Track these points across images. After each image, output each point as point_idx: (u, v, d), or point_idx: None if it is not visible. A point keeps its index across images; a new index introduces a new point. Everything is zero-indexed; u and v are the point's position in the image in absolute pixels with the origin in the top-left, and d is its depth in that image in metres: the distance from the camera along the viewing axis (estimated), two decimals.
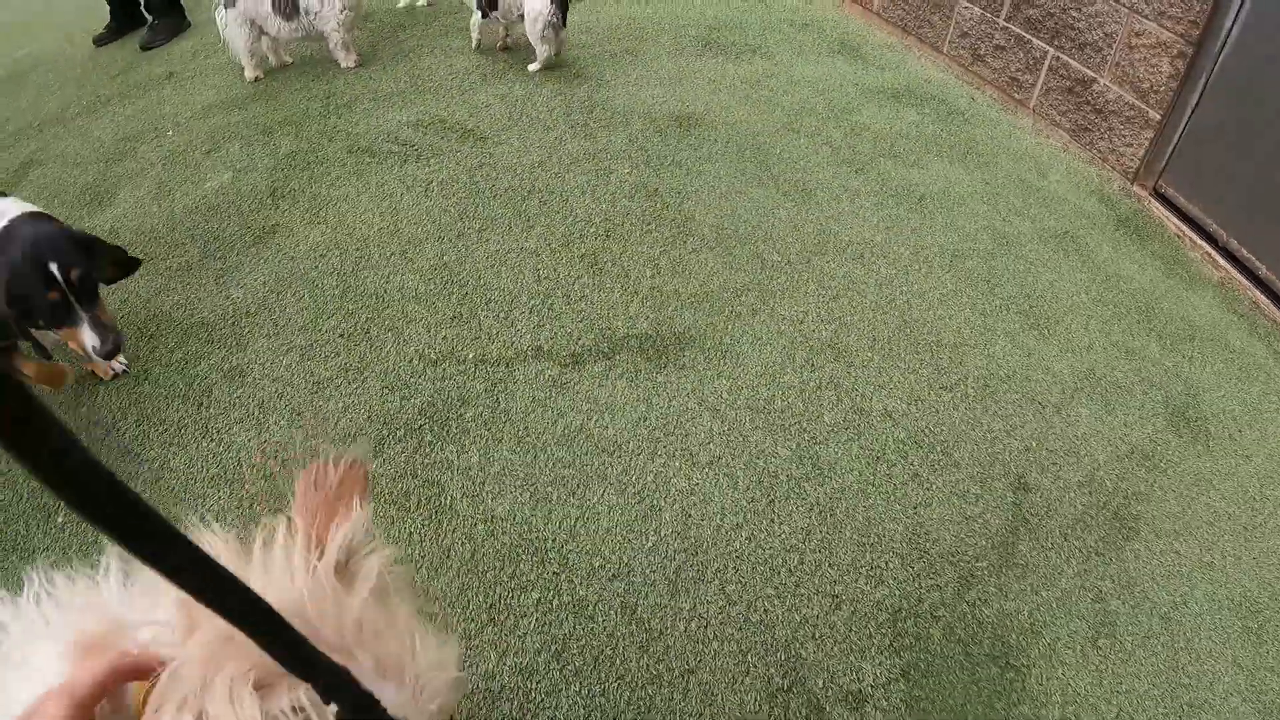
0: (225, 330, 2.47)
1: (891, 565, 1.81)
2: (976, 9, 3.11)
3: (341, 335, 2.35)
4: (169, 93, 3.92)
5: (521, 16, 3.53)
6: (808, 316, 2.38)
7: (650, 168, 3.00)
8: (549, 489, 1.95)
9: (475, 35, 3.80)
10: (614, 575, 1.76)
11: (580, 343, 2.33)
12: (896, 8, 3.57)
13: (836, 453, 2.02)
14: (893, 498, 1.95)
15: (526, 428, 2.08)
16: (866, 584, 1.77)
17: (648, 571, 1.77)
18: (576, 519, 1.89)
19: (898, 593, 1.77)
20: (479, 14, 3.66)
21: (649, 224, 2.73)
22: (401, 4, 3.96)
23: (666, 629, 1.68)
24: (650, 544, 1.83)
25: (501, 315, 2.42)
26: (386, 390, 2.20)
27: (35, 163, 3.65)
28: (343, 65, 3.75)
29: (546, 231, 2.72)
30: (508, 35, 3.81)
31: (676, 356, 2.25)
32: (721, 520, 1.87)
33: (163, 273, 2.73)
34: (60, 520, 1.93)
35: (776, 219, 2.74)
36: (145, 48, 4.46)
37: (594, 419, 2.11)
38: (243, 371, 2.28)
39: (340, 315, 2.44)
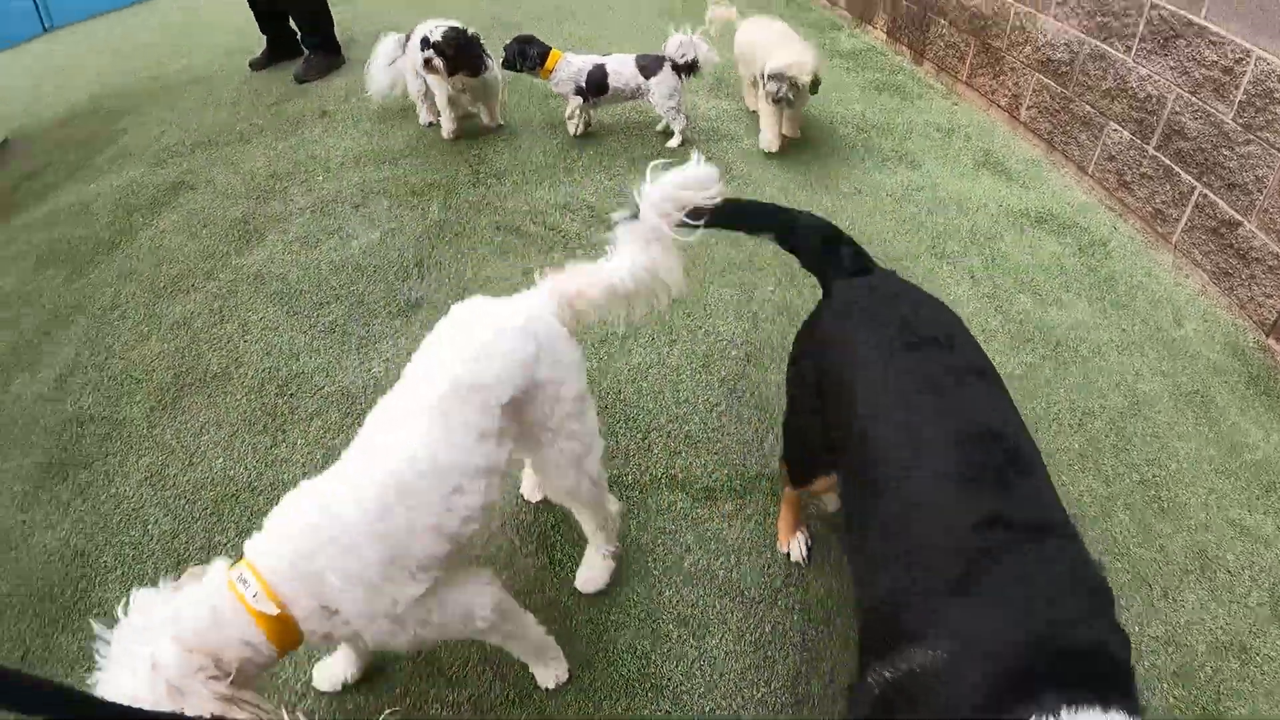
0: (365, 404, 2.71)
1: None
2: (1126, 133, 3.22)
3: None
4: (320, 133, 4.29)
5: (634, 93, 3.76)
6: None
7: (794, 287, 3.14)
8: (670, 627, 2.07)
9: (577, 122, 3.97)
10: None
11: (714, 477, 2.47)
12: (1044, 120, 3.71)
13: None
14: None
15: (654, 559, 2.23)
16: None
17: None
18: (694, 660, 2.01)
19: None
20: (579, 99, 3.79)
21: (787, 351, 2.90)
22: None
23: None
24: (760, 694, 1.97)
25: (640, 437, 2.59)
26: (521, 498, 2.38)
27: (186, 185, 4.05)
28: (484, 120, 4.05)
29: (688, 349, 2.89)
30: (590, 122, 4.05)
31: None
32: (833, 677, 2.00)
33: (307, 329, 3.01)
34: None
35: None
36: (300, 80, 4.89)
37: (720, 560, 2.24)
38: None
39: None
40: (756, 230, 1.86)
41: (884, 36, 4.96)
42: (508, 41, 3.81)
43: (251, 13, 5.12)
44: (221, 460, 2.57)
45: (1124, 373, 2.81)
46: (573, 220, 3.46)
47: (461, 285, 3.11)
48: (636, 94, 3.76)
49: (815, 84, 3.46)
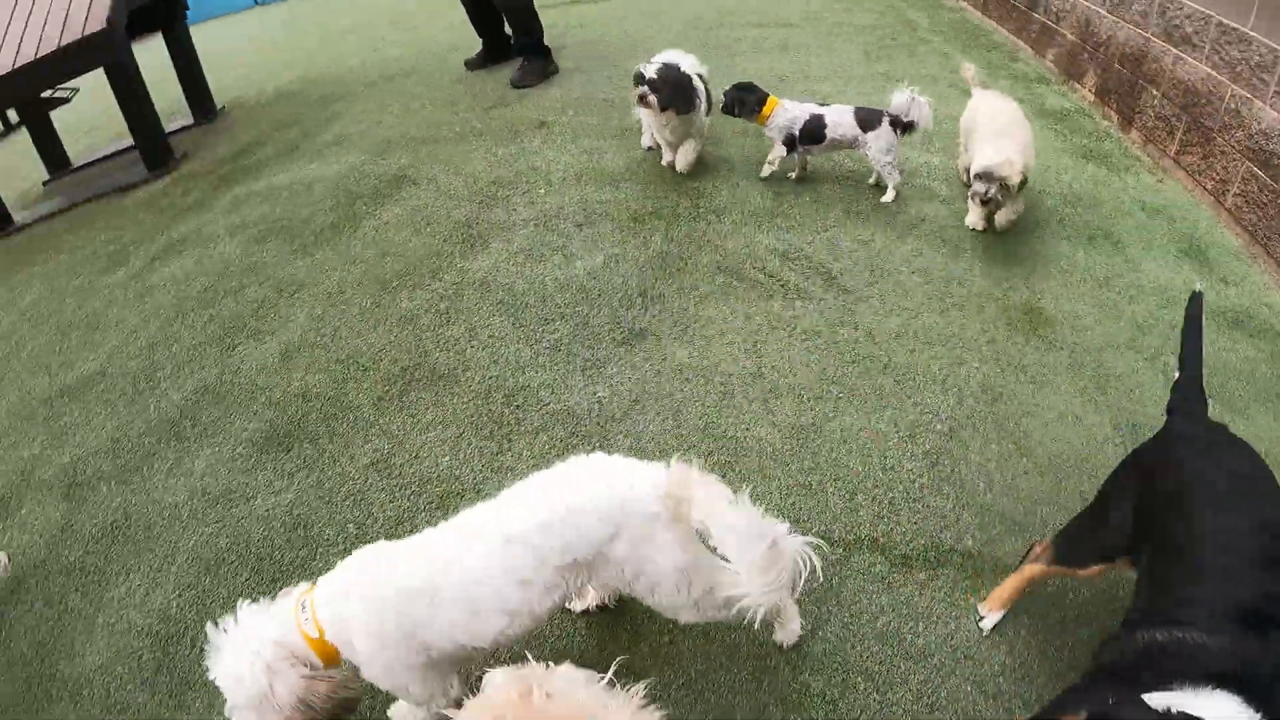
0: (591, 428, 2.76)
1: None
2: None
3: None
4: (539, 144, 4.44)
5: (850, 144, 3.79)
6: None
7: (997, 366, 3.06)
8: (858, 679, 2.10)
9: (773, 167, 4.04)
10: None
11: (911, 545, 2.45)
12: (1250, 210, 3.53)
13: None
14: None
15: (852, 615, 2.24)
16: None
17: None
18: (875, 712, 2.03)
19: None
20: (783, 149, 3.90)
21: (989, 432, 2.79)
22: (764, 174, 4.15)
23: None
24: None
25: (847, 497, 2.57)
26: None
27: (409, 180, 4.23)
28: (674, 160, 4.11)
29: (896, 415, 2.86)
30: (807, 166, 4.08)
31: (991, 581, 2.29)
32: None
33: (533, 343, 3.06)
34: None
35: (1104, 454, 2.71)
36: (515, 85, 5.09)
37: (909, 624, 2.24)
38: None
39: (699, 452, 2.67)
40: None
41: (1092, 96, 4.85)
42: (727, 87, 3.92)
43: (466, 15, 5.47)
44: (448, 459, 2.77)
45: None
46: (791, 270, 3.47)
47: (685, 322, 3.22)
48: (852, 145, 3.82)
49: (1023, 183, 3.31)
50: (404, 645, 1.60)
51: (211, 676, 1.62)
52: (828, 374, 2.99)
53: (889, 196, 3.84)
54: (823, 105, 3.83)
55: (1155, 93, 4.25)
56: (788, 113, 3.81)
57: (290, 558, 2.52)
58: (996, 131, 3.41)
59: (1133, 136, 4.48)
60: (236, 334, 3.49)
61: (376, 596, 1.59)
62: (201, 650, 2.32)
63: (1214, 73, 3.78)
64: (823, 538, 2.32)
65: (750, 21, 6.10)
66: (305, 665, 1.60)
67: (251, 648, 1.59)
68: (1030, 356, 3.10)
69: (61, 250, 4.65)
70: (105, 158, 5.71)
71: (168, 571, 2.59)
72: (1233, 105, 3.66)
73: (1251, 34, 3.50)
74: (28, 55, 4.62)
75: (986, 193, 3.29)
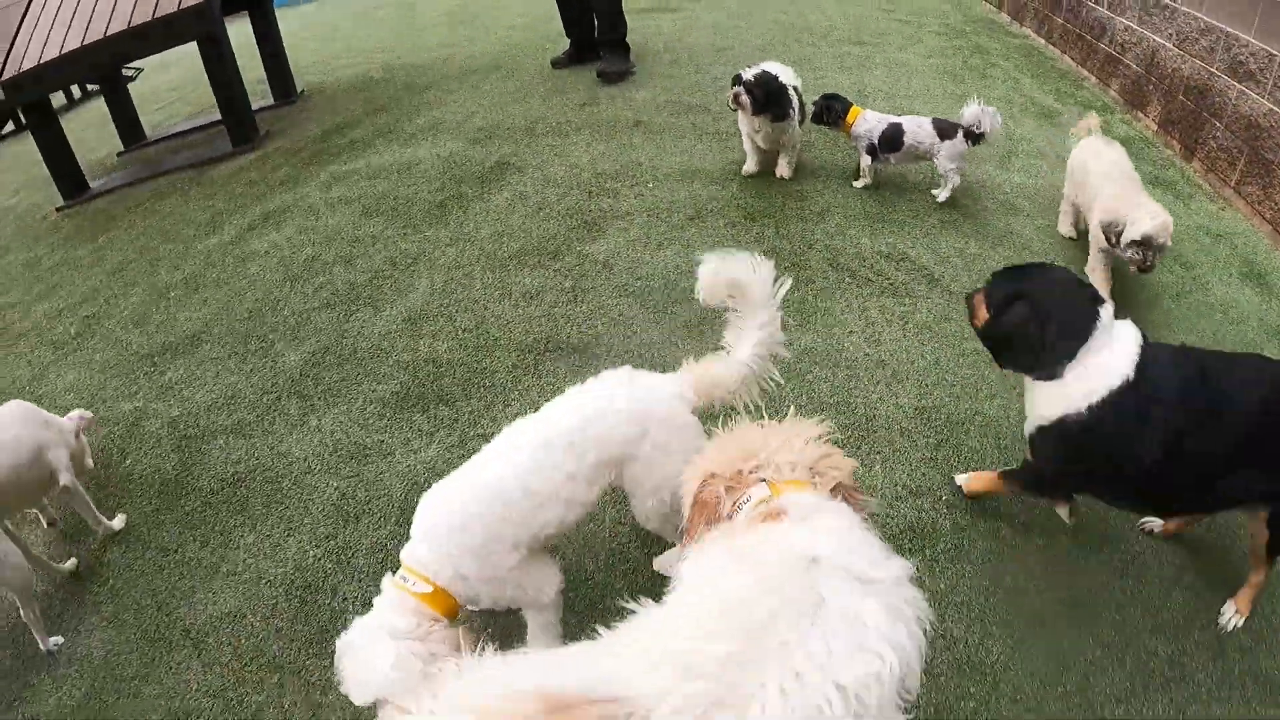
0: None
1: None
2: None
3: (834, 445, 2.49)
4: (639, 141, 4.40)
5: (926, 153, 3.83)
6: None
7: None
8: (993, 627, 2.04)
9: (866, 179, 4.08)
10: None
11: (1031, 514, 2.38)
12: None
13: None
14: None
15: (980, 572, 2.18)
16: None
17: None
18: (1008, 668, 1.89)
19: None
20: (869, 158, 3.96)
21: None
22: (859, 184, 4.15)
23: None
24: None
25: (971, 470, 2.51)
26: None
27: (513, 167, 4.19)
28: (779, 170, 4.10)
29: (1005, 404, 2.80)
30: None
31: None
32: None
33: (662, 324, 3.02)
34: None
35: None
36: (603, 77, 5.27)
37: (1032, 582, 2.16)
38: None
39: (836, 424, 2.56)
40: None
41: (1154, 126, 4.90)
42: (816, 100, 3.97)
43: (559, 13, 5.52)
44: None
45: None
46: (897, 270, 3.46)
47: (806, 312, 3.20)
48: (928, 154, 3.87)
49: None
50: (497, 549, 1.72)
51: (355, 696, 1.58)
52: (941, 364, 2.96)
53: (944, 196, 3.92)
54: (900, 116, 3.91)
55: (1218, 125, 4.31)
56: (867, 122, 3.89)
57: None
58: (1128, 179, 3.22)
59: (1194, 166, 4.54)
60: (353, 301, 3.41)
61: (458, 520, 1.71)
62: (344, 600, 2.25)
63: (1276, 108, 3.84)
64: (950, 507, 2.36)
65: (828, 39, 6.13)
66: (431, 623, 1.66)
67: (378, 646, 1.58)
68: None
69: (148, 216, 4.57)
70: (183, 132, 5.65)
71: (301, 522, 2.49)
72: None
73: None
74: (121, 24, 4.58)
75: (1146, 260, 2.94)
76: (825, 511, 1.27)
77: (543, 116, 4.89)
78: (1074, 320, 1.88)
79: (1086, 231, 3.36)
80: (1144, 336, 1.89)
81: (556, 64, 5.64)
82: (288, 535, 2.46)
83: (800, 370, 2.88)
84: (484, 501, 1.72)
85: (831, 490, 1.36)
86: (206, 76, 4.99)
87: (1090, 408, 1.84)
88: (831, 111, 3.93)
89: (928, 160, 3.91)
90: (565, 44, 5.73)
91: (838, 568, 1.11)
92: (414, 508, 2.44)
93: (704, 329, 3.08)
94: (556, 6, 5.53)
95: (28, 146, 5.70)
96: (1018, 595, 2.18)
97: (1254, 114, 4.03)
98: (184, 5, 4.45)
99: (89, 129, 6.51)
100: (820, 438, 1.47)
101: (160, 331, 3.50)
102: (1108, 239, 3.01)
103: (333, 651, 2.11)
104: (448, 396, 2.84)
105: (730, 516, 1.33)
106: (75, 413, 2.70)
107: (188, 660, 2.19)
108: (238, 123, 4.96)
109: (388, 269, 3.57)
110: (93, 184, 5.06)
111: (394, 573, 1.74)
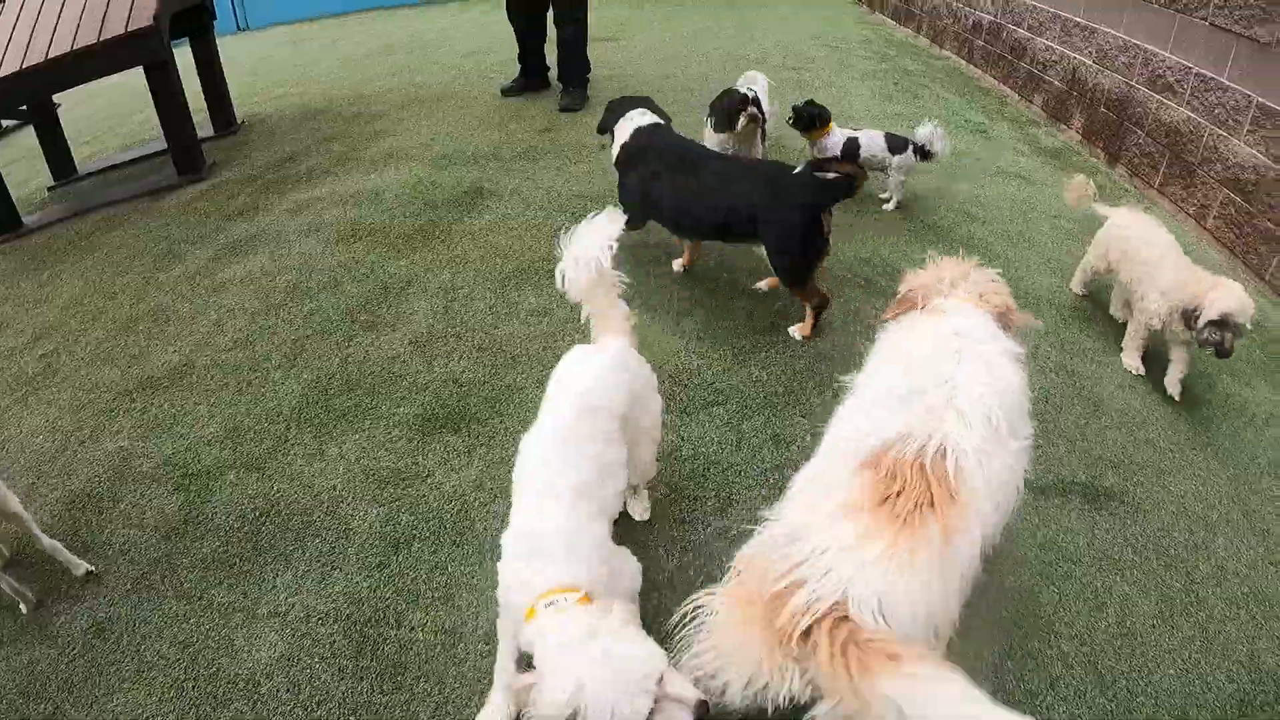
0: (760, 402, 2.72)
1: None
2: None
3: None
4: (608, 164, 4.30)
5: (879, 165, 4.00)
6: None
7: (1064, 353, 3.10)
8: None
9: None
10: None
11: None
12: (1228, 230, 3.99)
13: None
14: None
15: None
16: None
17: None
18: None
19: None
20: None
21: (1070, 395, 2.90)
22: None
23: None
24: None
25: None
26: None
27: (488, 192, 4.10)
28: None
29: None
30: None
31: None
32: None
33: (679, 333, 2.98)
34: None
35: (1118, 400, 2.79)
36: (565, 110, 5.22)
37: (1065, 536, 2.15)
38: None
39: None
40: None
41: (1079, 136, 5.23)
42: (800, 104, 4.00)
43: (517, 39, 5.46)
44: None
45: None
46: (880, 276, 3.44)
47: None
48: (881, 166, 4.02)
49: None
50: (596, 516, 1.74)
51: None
52: None
53: (890, 206, 4.12)
54: (856, 130, 4.06)
55: (1140, 133, 4.66)
56: (834, 135, 4.00)
57: (495, 528, 2.28)
58: (1177, 255, 2.98)
59: (1119, 170, 4.87)
60: (349, 327, 3.23)
61: (556, 508, 1.69)
62: (413, 629, 2.09)
63: (1194, 115, 4.18)
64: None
65: (764, 65, 6.22)
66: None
67: (574, 671, 1.36)
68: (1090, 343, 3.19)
69: (96, 250, 4.23)
70: (120, 164, 5.28)
71: (344, 553, 2.31)
72: (1211, 143, 4.06)
73: (1227, 83, 3.92)
74: (63, 47, 4.26)
75: (1224, 342, 2.65)
76: (967, 313, 1.90)
77: (505, 142, 4.80)
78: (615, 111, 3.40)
79: (1096, 293, 3.49)
80: (646, 123, 3.29)
81: (507, 92, 5.56)
82: (331, 568, 2.27)
83: (817, 374, 2.87)
84: (574, 505, 1.70)
85: (996, 312, 1.96)
86: (136, 106, 4.70)
87: (622, 145, 3.29)
88: (814, 118, 3.97)
89: (880, 171, 4.03)
90: (513, 71, 5.65)
91: (970, 338, 1.80)
92: (471, 525, 2.35)
93: (719, 335, 3.06)
94: (515, 35, 5.44)
95: None
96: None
97: (1174, 121, 4.33)
98: (132, 28, 4.16)
99: (15, 164, 6.01)
100: (992, 279, 2.07)
101: (135, 366, 3.22)
102: (1187, 324, 2.74)
103: (409, 684, 1.97)
104: (478, 415, 2.71)
105: (921, 309, 1.98)
106: None
107: (242, 712, 1.98)
108: (185, 152, 4.66)
109: (380, 294, 3.40)
110: (26, 220, 4.65)
111: (533, 616, 1.57)
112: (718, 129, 3.75)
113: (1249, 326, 2.66)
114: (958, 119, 5.28)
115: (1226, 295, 2.65)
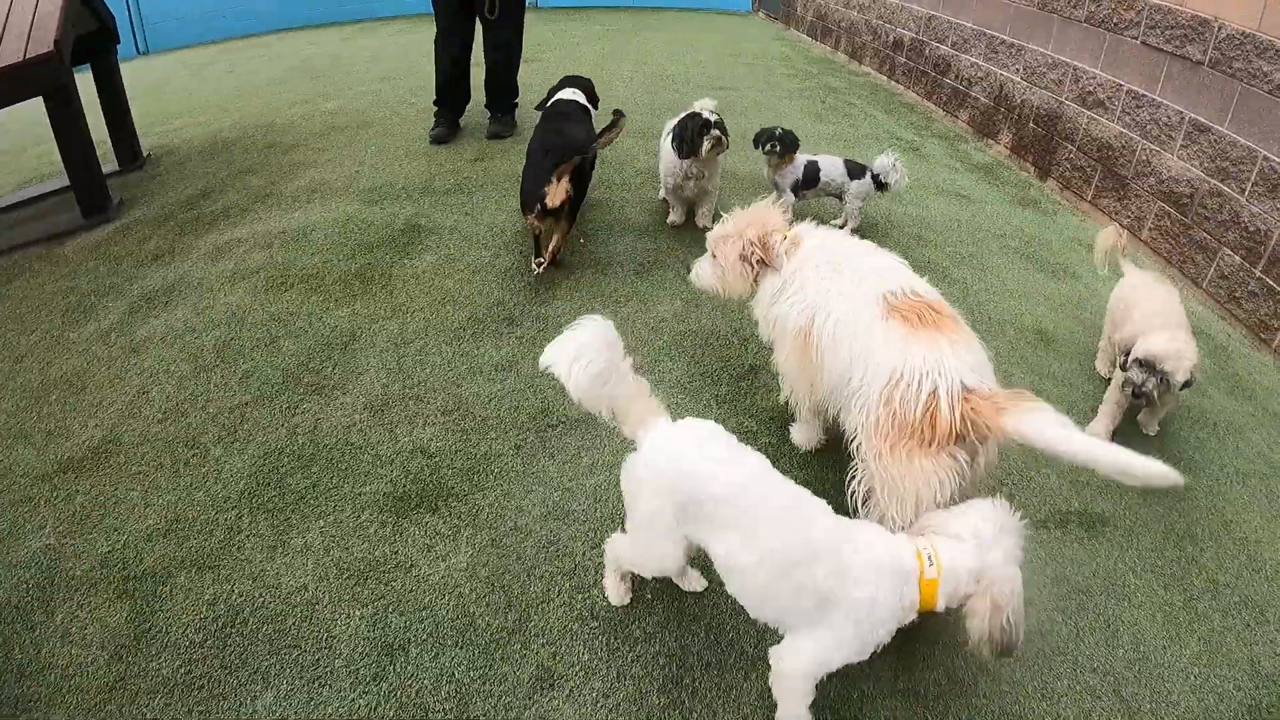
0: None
1: None
2: (1237, 258, 3.64)
3: None
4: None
5: (836, 190, 3.97)
6: None
7: (1025, 369, 3.12)
8: None
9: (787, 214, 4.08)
10: None
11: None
12: (1164, 240, 4.14)
13: None
14: None
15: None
16: None
17: None
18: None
19: None
20: (790, 195, 3.96)
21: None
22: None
23: None
24: None
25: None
26: None
27: (426, 229, 3.86)
28: (699, 221, 4.00)
29: None
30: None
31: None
32: None
33: (656, 381, 2.78)
34: None
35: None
36: (494, 138, 5.00)
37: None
38: None
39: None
40: None
41: (1007, 151, 5.31)
42: (775, 129, 3.87)
43: (444, 77, 4.97)
44: None
45: (1261, 445, 2.93)
46: None
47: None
48: (838, 191, 3.99)
49: (1189, 382, 2.59)
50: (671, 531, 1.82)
51: None
52: None
53: (847, 231, 3.96)
54: (815, 155, 4.01)
55: (1070, 147, 4.77)
56: (799, 160, 3.94)
57: (498, 623, 2.10)
58: (1166, 311, 2.81)
59: (1050, 185, 4.98)
60: (292, 390, 2.93)
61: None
62: None
63: (1126, 131, 4.28)
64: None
65: (689, 85, 6.13)
66: None
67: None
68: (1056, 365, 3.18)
69: None
70: (12, 206, 4.74)
71: (331, 666, 2.04)
72: (1144, 157, 4.18)
73: (1159, 99, 4.03)
74: None
75: (1143, 385, 2.55)
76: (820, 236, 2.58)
77: (436, 174, 4.51)
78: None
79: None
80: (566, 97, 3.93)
81: (441, 140, 4.97)
82: (318, 684, 2.00)
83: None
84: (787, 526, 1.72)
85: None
86: (31, 139, 4.21)
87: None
88: (786, 144, 3.87)
89: (835, 196, 3.97)
90: (430, 94, 5.23)
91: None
92: (473, 623, 2.11)
93: (695, 384, 2.91)
94: (437, 72, 4.97)
95: None
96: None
97: (1105, 136, 4.41)
98: (30, 55, 3.71)
99: None
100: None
101: (53, 444, 2.83)
102: (1123, 365, 2.66)
103: None
104: (455, 490, 2.47)
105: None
106: None
107: None
108: (90, 190, 4.19)
109: (322, 350, 3.10)
110: None
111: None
112: (682, 154, 3.58)
113: (1192, 379, 2.55)
114: (889, 137, 5.28)
115: (1155, 339, 2.58)
